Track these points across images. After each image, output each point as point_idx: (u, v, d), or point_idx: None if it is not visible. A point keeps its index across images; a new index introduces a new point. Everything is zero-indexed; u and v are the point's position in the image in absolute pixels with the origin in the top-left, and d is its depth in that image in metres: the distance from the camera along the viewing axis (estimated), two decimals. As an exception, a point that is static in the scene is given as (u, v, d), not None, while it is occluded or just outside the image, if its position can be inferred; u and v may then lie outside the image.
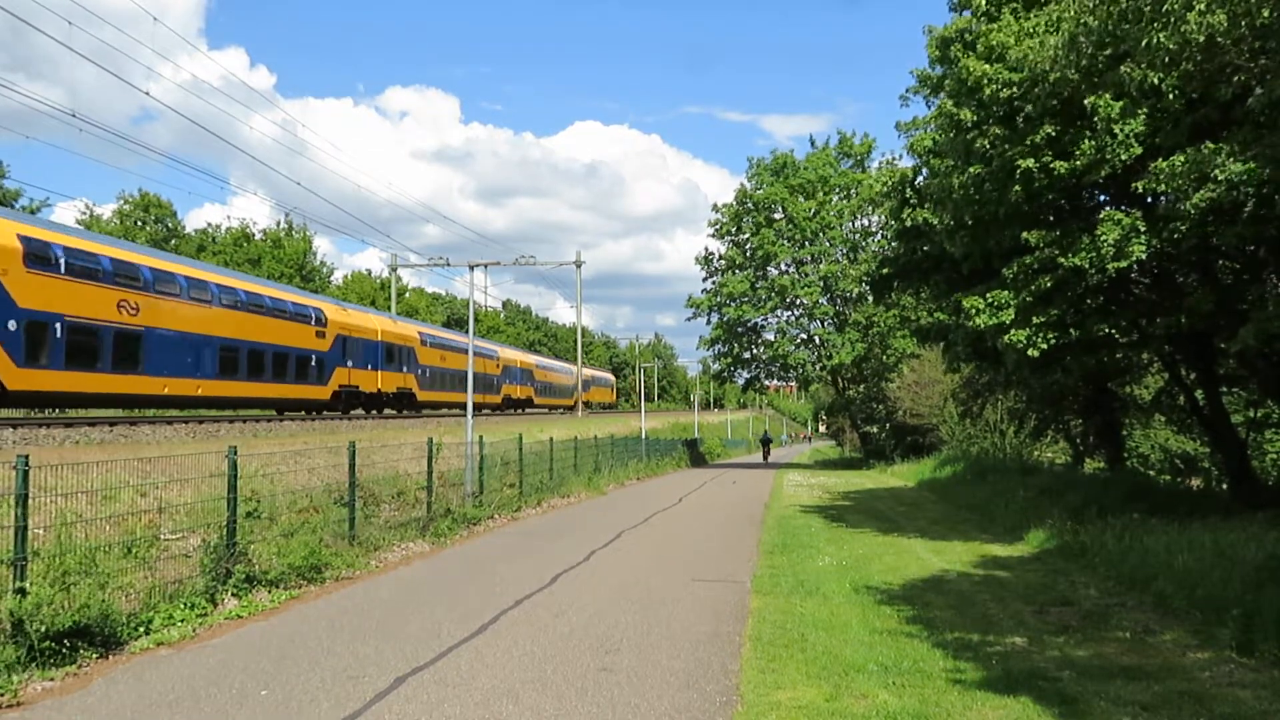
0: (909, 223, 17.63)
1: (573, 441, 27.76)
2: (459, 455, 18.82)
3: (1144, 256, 12.87)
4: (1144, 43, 9.45)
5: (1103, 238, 12.93)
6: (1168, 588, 9.61)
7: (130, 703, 6.39)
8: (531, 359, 63.99)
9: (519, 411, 54.29)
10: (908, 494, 26.49)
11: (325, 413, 30.78)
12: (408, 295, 78.86)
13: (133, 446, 14.53)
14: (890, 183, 19.29)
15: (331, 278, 66.29)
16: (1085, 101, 12.59)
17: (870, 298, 36.94)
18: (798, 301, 47.57)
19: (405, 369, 38.13)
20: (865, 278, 29.71)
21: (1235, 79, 9.51)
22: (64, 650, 7.22)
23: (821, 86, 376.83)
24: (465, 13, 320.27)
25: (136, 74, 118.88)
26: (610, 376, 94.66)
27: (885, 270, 20.37)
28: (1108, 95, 12.47)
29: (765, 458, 58.92)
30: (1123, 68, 10.92)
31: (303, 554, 10.78)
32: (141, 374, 21.38)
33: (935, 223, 16.25)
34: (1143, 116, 12.66)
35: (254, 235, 59.21)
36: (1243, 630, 7.79)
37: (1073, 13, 10.95)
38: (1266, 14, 8.05)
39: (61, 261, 19.03)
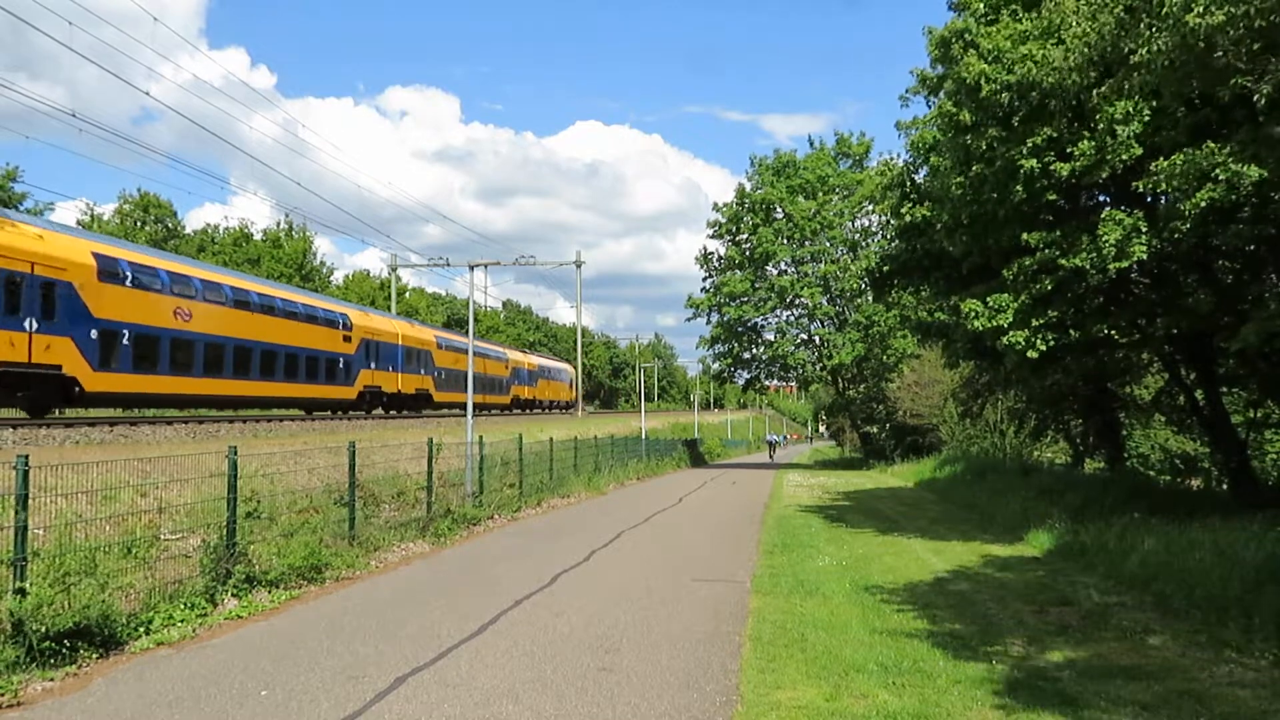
0: (909, 219, 17.62)
1: (573, 441, 27.77)
2: (459, 455, 18.82)
3: (1145, 256, 12.87)
4: (1142, 48, 9.45)
5: (1104, 238, 12.92)
6: (1167, 587, 9.61)
7: (130, 703, 6.39)
8: (426, 333, 41.99)
9: (395, 414, 34.94)
10: (908, 494, 26.50)
11: None
12: (408, 295, 78.88)
13: (133, 446, 14.54)
14: (890, 176, 19.29)
15: (331, 278, 66.33)
16: (1095, 93, 12.54)
17: (870, 295, 37.01)
18: (798, 301, 47.62)
19: (42, 325, 18.39)
20: (865, 274, 29.75)
21: (1234, 81, 9.51)
22: (64, 650, 7.23)
23: (822, 86, 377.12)
24: (465, 13, 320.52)
25: (137, 74, 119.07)
26: (566, 368, 70.96)
27: (886, 267, 20.35)
28: (1111, 97, 12.46)
29: (771, 456, 67.32)
30: (1126, 82, 10.89)
31: (303, 554, 10.78)
32: None
33: (935, 221, 16.25)
34: (1145, 116, 12.65)
35: (253, 235, 59.22)
36: (1243, 630, 7.79)
37: (1073, 30, 10.94)
38: (1269, 14, 8.06)
39: None
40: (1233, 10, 8.17)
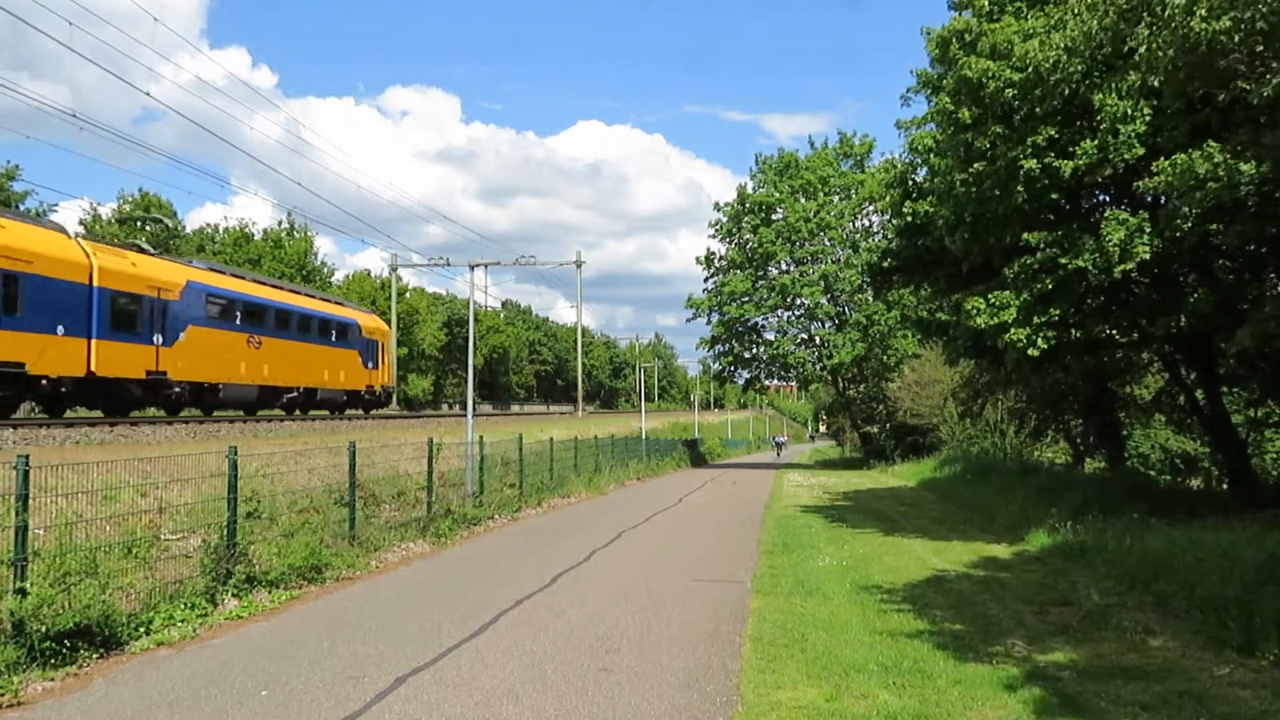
0: (910, 218, 17.64)
1: (573, 441, 27.77)
2: (459, 455, 18.82)
3: (1148, 257, 12.86)
4: (1142, 49, 9.46)
5: (1108, 238, 12.90)
6: (1168, 588, 9.60)
7: (130, 703, 6.39)
8: None
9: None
10: (908, 494, 26.49)
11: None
12: (408, 295, 78.86)
13: (133, 446, 14.53)
14: (890, 176, 19.30)
15: (332, 278, 66.34)
16: (1095, 97, 12.57)
17: (871, 293, 37.06)
18: (798, 301, 47.64)
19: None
20: (865, 268, 29.80)
21: (1233, 84, 9.51)
22: (64, 650, 7.22)
23: (822, 86, 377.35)
24: (465, 13, 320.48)
25: (138, 74, 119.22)
26: (355, 319, 33.37)
27: (886, 263, 20.33)
28: (1112, 94, 12.48)
29: (778, 455, 73.05)
30: (1128, 77, 10.89)
31: (303, 554, 10.77)
32: None
33: (936, 216, 16.25)
34: (1146, 116, 12.66)
35: (253, 235, 59.20)
36: (1243, 630, 7.79)
37: (1074, 15, 10.97)
38: (1272, 17, 8.07)
39: None
40: (1238, 15, 8.17)
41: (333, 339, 31.03)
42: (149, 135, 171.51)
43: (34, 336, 18.06)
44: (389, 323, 60.78)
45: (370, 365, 33.92)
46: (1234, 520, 13.03)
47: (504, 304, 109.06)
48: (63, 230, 20.58)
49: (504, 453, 21.05)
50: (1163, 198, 13.15)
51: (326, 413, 30.52)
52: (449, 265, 30.69)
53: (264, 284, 29.17)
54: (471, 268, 21.46)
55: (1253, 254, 14.12)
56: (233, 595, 9.57)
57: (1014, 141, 13.78)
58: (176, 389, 22.57)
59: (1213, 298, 13.50)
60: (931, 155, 17.37)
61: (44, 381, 18.61)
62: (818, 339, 48.93)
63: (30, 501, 7.70)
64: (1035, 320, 14.04)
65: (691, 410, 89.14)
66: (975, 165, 14.34)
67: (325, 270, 63.31)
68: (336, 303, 34.34)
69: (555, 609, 9.43)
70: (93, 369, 19.69)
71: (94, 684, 6.86)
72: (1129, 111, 12.63)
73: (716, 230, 49.03)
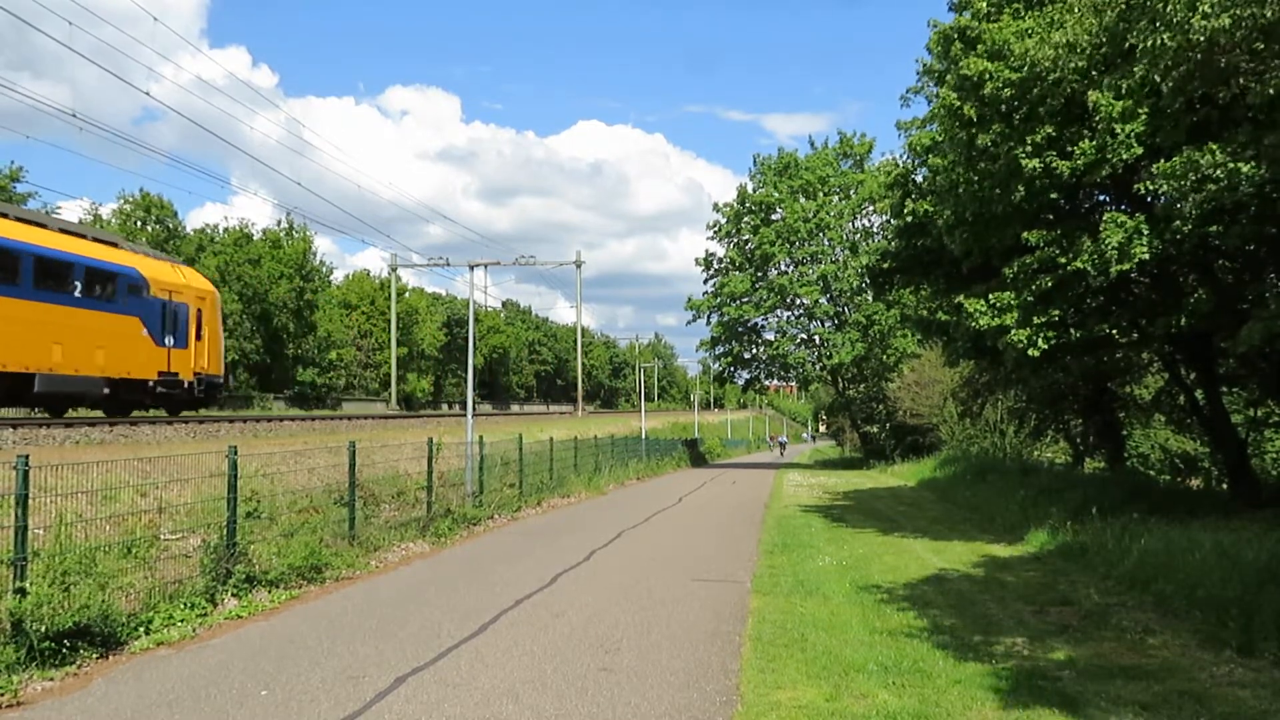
0: (909, 218, 17.63)
1: (573, 441, 27.78)
2: (459, 455, 18.82)
3: (1147, 258, 12.85)
4: (1143, 45, 9.47)
5: (1106, 239, 12.90)
6: (1168, 588, 9.60)
7: (130, 703, 6.39)
8: None
9: None
10: (908, 494, 26.49)
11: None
12: (408, 295, 78.87)
13: (133, 446, 14.53)
14: (891, 176, 19.31)
15: (332, 277, 66.32)
16: (1089, 96, 12.56)
17: (870, 293, 37.07)
18: (798, 301, 47.65)
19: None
20: (865, 269, 29.81)
21: (1235, 81, 9.51)
22: (64, 650, 7.22)
23: (823, 86, 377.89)
24: (465, 12, 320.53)
25: (138, 74, 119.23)
26: (147, 271, 21.28)
27: (886, 263, 20.34)
28: (1109, 94, 12.48)
29: (780, 454, 73.61)
30: (1126, 76, 10.91)
31: (303, 554, 10.77)
32: None
33: (936, 216, 16.24)
34: (1144, 116, 12.66)
35: (253, 235, 59.13)
36: (1243, 630, 7.79)
37: (1073, 13, 10.99)
38: (1269, 14, 8.08)
39: None
40: (1238, 13, 8.18)
41: (76, 294, 19.01)
42: (149, 135, 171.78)
43: None
44: (388, 321, 60.73)
45: (170, 342, 21.54)
46: (1234, 520, 13.03)
47: (504, 304, 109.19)
48: None
49: (504, 453, 21.05)
50: (1162, 198, 13.15)
51: (103, 415, 19.89)
52: (449, 265, 30.77)
53: None
54: (471, 268, 21.47)
55: (1253, 254, 14.11)
56: (232, 595, 9.56)
57: (1014, 140, 13.78)
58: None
59: (1213, 298, 13.51)
60: (931, 155, 17.38)
61: None
62: (817, 339, 48.95)
63: (30, 501, 7.69)
64: (1035, 320, 14.04)
65: (691, 410, 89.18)
66: (978, 164, 14.34)
67: (324, 269, 63.24)
68: (104, 241, 21.25)
69: (555, 609, 9.43)
70: None
71: (94, 684, 6.85)
72: (1128, 109, 12.62)
73: (716, 231, 49.04)
